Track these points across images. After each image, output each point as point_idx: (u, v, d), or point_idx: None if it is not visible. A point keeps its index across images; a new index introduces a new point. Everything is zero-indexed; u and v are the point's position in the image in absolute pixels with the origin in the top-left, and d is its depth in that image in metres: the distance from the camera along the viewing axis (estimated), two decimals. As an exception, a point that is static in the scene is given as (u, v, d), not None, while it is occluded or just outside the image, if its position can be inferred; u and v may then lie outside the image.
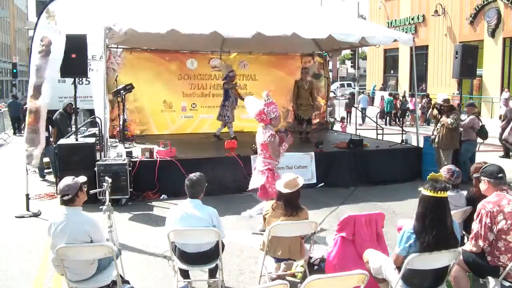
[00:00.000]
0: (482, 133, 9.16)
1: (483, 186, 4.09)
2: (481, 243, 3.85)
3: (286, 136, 6.11)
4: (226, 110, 10.72)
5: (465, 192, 4.81)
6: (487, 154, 12.86)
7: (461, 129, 8.91)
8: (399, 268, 3.57)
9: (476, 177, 4.28)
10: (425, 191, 3.50)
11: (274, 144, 5.82)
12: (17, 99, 20.74)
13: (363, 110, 21.55)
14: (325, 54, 13.58)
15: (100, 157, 8.13)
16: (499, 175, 4.00)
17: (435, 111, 8.76)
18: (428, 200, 3.48)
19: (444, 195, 3.48)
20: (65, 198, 3.79)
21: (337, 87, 40.53)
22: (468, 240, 4.25)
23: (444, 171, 4.84)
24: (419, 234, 3.44)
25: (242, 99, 10.91)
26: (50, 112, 10.20)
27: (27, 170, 7.30)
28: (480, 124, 9.16)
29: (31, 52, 7.30)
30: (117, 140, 10.43)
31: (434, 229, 3.42)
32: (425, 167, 9.15)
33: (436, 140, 8.53)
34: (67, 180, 3.84)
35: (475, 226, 3.91)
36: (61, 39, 7.19)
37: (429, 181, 3.54)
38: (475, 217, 3.95)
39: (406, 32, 25.09)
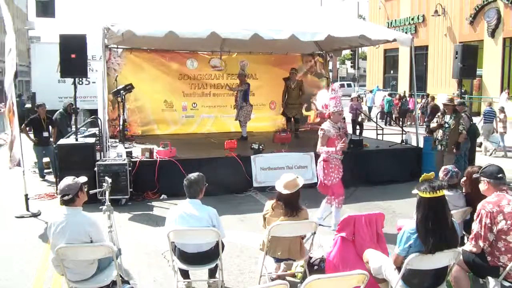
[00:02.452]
0: (469, 132, 8.92)
1: (483, 186, 4.09)
2: (481, 243, 3.85)
3: (346, 135, 6.28)
4: (237, 111, 10.90)
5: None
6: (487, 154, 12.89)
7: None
8: (399, 268, 3.57)
9: (476, 177, 4.28)
10: (423, 194, 3.49)
11: (321, 138, 6.08)
12: (20, 97, 20.80)
13: (370, 109, 22.13)
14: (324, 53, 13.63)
15: (100, 157, 8.13)
16: (499, 175, 4.00)
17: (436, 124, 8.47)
18: (427, 202, 3.48)
19: (442, 194, 3.49)
20: (65, 198, 3.79)
21: (337, 87, 40.48)
22: (468, 240, 4.25)
23: (440, 171, 4.88)
24: (425, 238, 3.42)
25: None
26: (50, 112, 10.25)
27: (23, 172, 7.28)
28: (470, 123, 9.00)
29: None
30: (117, 140, 10.43)
31: (437, 230, 3.42)
32: (425, 167, 9.15)
33: (444, 143, 8.24)
34: (68, 180, 3.84)
35: (475, 226, 3.91)
36: (10, 36, 7.16)
37: (424, 183, 3.54)
38: (475, 217, 3.95)
39: (406, 32, 25.10)
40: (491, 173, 4.03)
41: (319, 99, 6.45)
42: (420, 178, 3.64)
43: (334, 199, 6.28)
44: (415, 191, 3.59)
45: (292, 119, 11.67)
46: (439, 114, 8.66)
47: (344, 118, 6.94)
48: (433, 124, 8.68)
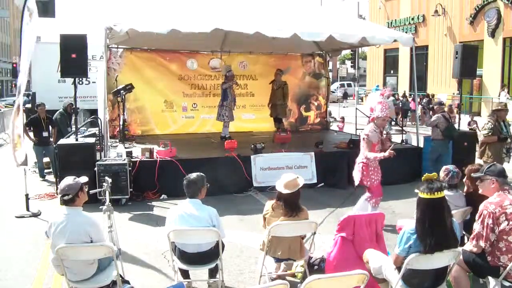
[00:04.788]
0: (448, 132, 8.78)
1: (488, 185, 4.04)
2: (482, 243, 3.84)
3: (390, 140, 6.31)
4: (224, 110, 10.74)
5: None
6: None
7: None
8: (399, 268, 3.57)
9: (476, 177, 4.27)
10: (421, 194, 3.50)
11: (366, 144, 6.11)
12: (29, 96, 20.77)
13: None
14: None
15: (100, 157, 8.13)
16: (505, 174, 4.01)
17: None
18: (425, 203, 3.48)
19: (441, 195, 3.48)
20: (66, 198, 3.79)
21: (337, 87, 40.49)
22: (468, 240, 4.25)
23: (441, 171, 4.87)
24: (422, 238, 3.43)
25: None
26: (50, 112, 10.25)
27: (25, 170, 7.28)
28: (447, 123, 8.75)
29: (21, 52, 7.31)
30: (117, 140, 10.43)
31: (435, 230, 3.42)
32: (426, 167, 9.13)
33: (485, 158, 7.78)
34: (68, 180, 3.84)
35: (476, 226, 3.91)
36: (32, 36, 7.17)
37: (424, 183, 3.54)
38: (476, 217, 3.93)
39: (406, 32, 25.10)
40: (499, 172, 4.00)
41: (368, 101, 6.52)
42: (423, 177, 3.63)
43: (372, 198, 6.34)
44: (416, 190, 3.60)
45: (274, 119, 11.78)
46: (475, 121, 7.84)
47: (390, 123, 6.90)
48: (489, 137, 7.71)
